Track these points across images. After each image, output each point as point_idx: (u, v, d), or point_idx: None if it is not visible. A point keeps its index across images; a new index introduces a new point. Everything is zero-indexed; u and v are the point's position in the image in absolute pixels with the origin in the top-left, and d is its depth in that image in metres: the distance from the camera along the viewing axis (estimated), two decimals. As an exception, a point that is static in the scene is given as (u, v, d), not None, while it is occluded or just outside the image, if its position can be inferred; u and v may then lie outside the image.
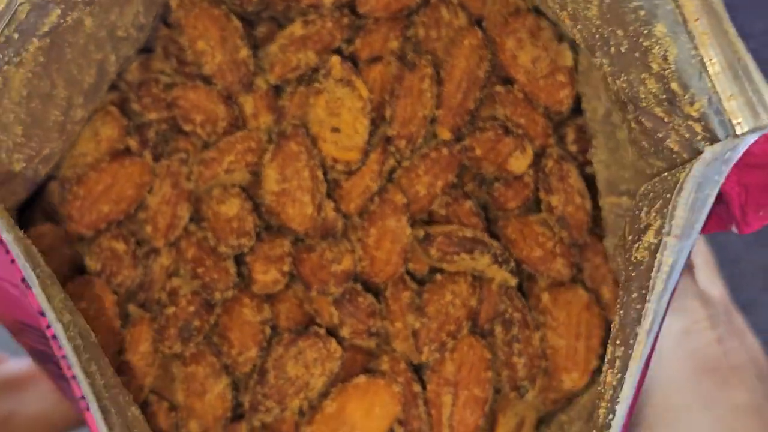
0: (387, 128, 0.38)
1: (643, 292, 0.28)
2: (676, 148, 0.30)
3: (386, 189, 0.38)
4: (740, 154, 0.28)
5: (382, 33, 0.38)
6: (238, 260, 0.38)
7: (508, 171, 0.38)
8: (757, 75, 0.28)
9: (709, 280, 0.44)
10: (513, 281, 0.38)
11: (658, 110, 0.30)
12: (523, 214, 0.38)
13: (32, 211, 0.38)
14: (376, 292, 0.38)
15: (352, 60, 0.38)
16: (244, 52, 0.38)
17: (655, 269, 0.28)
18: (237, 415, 0.38)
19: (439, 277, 0.38)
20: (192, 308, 0.37)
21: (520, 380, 0.37)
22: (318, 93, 0.38)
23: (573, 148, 0.38)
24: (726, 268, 0.44)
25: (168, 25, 0.39)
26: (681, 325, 0.39)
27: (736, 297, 0.42)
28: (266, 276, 0.37)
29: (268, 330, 0.38)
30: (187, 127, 0.38)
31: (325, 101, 0.38)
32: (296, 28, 0.38)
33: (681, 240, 0.27)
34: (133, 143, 0.38)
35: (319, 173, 0.38)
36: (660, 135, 0.30)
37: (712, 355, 0.39)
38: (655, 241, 0.28)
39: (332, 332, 0.38)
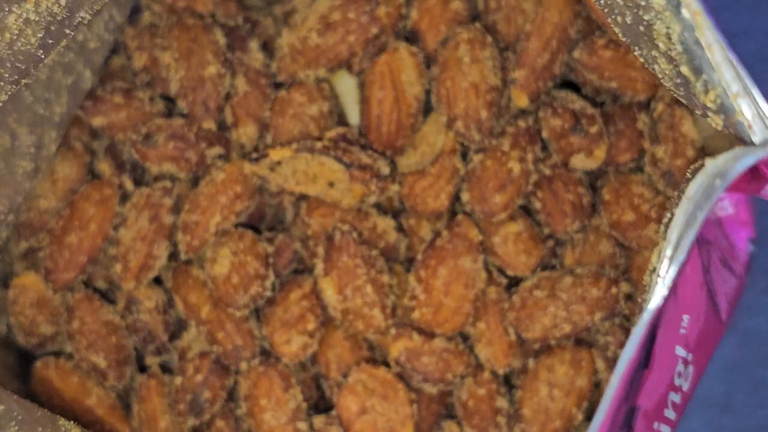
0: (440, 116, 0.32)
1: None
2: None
3: (458, 222, 0.32)
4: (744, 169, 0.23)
5: None
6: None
7: (569, 168, 0.32)
8: (750, 82, 0.24)
9: None
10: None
11: (678, 94, 0.25)
12: (627, 173, 0.32)
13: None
14: None
15: (413, 34, 0.33)
16: (213, 69, 0.33)
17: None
18: None
19: (531, 363, 0.32)
20: (200, 376, 0.33)
21: None
22: (295, 172, 0.33)
23: None
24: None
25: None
26: None
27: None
28: (291, 346, 0.33)
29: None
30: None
31: (302, 172, 0.32)
32: (312, 33, 0.33)
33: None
34: (104, 168, 0.34)
35: (382, 280, 0.32)
36: (698, 112, 0.25)
37: None
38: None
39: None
